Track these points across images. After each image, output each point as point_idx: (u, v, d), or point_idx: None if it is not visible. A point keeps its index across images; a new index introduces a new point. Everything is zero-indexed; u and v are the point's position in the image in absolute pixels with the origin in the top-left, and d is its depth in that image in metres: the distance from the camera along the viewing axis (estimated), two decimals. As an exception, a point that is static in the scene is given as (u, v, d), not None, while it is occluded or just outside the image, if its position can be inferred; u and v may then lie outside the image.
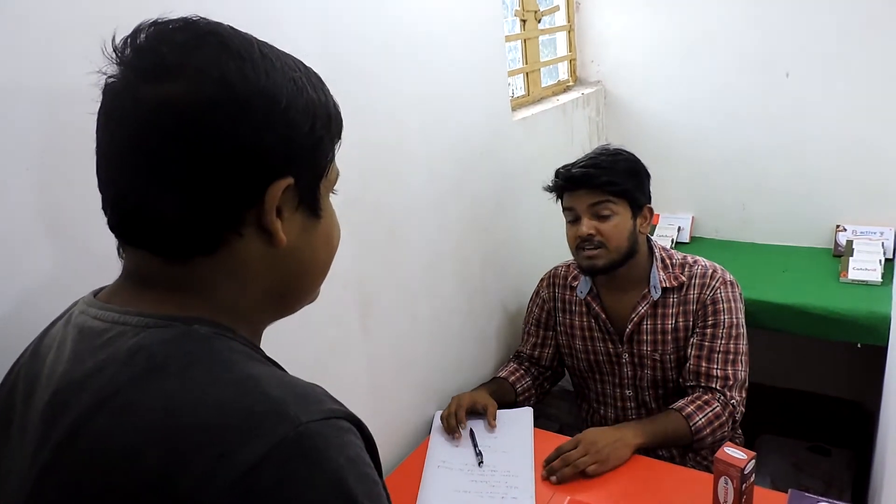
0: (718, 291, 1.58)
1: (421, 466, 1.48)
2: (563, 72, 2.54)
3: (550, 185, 1.64)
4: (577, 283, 1.72)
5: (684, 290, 1.61)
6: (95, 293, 0.63)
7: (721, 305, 1.58)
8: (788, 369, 2.52)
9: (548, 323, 1.79)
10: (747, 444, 1.66)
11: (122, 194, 0.57)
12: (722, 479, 1.22)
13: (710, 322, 1.58)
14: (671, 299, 1.62)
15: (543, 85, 2.33)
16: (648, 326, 1.63)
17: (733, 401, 1.53)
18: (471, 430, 1.55)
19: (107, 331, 0.56)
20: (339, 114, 0.65)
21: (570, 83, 2.52)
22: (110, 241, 0.61)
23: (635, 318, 1.63)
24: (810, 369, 2.50)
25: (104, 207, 0.59)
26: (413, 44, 1.51)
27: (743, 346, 1.58)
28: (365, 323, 1.44)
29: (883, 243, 2.12)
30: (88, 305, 0.60)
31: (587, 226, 1.56)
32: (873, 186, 2.16)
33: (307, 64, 0.63)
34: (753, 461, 1.21)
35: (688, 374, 1.58)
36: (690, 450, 1.59)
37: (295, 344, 1.27)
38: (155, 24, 0.57)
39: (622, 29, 2.43)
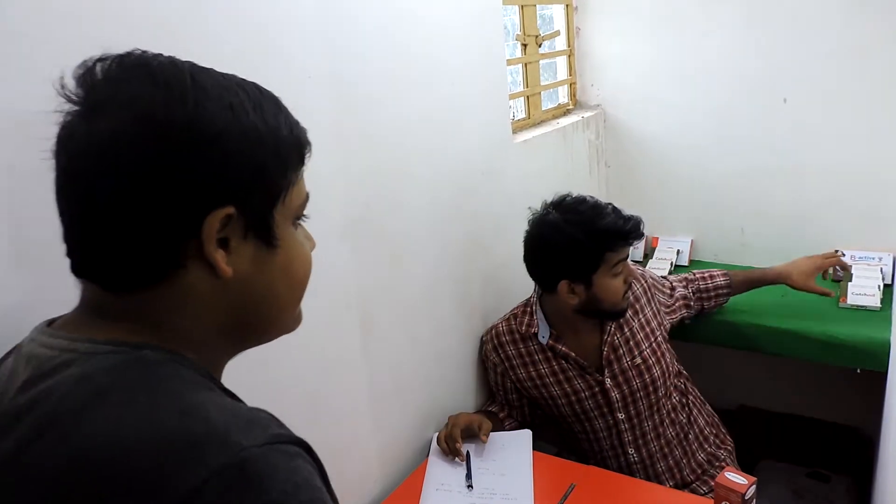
0: (648, 277, 1.78)
1: (419, 489, 1.47)
2: (563, 95, 2.56)
3: (591, 245, 1.53)
4: (535, 329, 1.69)
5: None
6: (49, 322, 0.62)
7: (656, 278, 1.82)
8: (787, 394, 2.51)
9: (508, 386, 1.77)
10: (747, 470, 1.65)
11: (66, 226, 0.58)
12: (722, 505, 1.22)
13: (663, 290, 1.81)
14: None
15: (544, 108, 2.35)
16: (620, 340, 1.66)
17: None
18: (467, 452, 1.55)
19: (54, 358, 0.56)
20: (294, 137, 0.62)
21: (571, 107, 2.54)
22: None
23: (609, 340, 1.65)
24: (809, 394, 2.48)
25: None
26: (416, 67, 1.53)
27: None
28: (366, 343, 1.44)
29: (882, 269, 2.12)
30: (39, 334, 0.60)
31: (629, 271, 1.62)
32: (872, 212, 2.16)
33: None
34: (754, 486, 1.21)
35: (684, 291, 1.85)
36: (694, 481, 1.60)
37: (295, 364, 1.27)
38: (99, 59, 0.57)
39: (622, 53, 2.45)
